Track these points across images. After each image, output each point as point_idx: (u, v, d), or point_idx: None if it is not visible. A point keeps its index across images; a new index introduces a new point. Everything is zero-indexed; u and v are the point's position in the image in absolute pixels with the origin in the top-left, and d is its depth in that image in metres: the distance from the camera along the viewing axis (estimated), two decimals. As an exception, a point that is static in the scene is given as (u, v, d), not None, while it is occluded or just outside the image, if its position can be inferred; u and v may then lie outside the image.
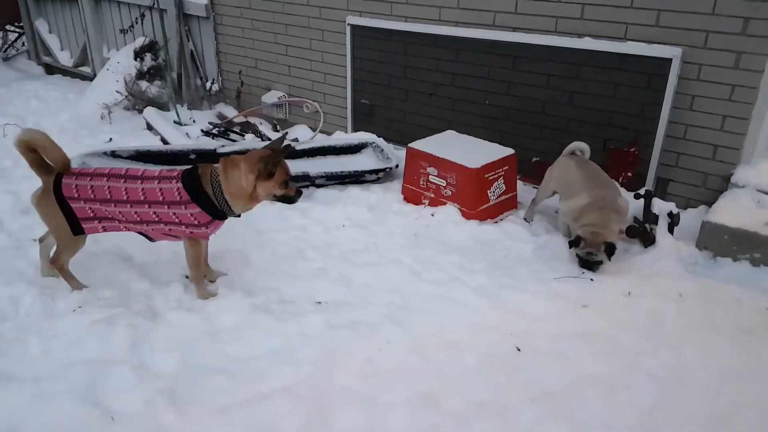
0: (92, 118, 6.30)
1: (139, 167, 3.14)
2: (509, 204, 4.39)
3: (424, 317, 3.06)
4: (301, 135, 5.86)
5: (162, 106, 6.41)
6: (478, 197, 4.16)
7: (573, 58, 4.36)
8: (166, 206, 2.91)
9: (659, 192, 4.23)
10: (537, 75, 4.59)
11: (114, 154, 4.47)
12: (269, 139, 5.63)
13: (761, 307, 3.21)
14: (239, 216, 3.09)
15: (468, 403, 2.50)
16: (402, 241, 3.89)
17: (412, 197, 4.49)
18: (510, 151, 4.33)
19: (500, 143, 4.47)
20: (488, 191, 4.21)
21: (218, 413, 2.36)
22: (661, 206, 3.76)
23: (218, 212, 2.97)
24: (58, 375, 2.55)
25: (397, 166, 4.80)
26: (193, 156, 4.54)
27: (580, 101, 4.46)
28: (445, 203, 4.28)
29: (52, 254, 3.16)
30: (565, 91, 4.50)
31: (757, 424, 2.43)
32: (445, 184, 4.26)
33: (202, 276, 3.18)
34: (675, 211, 3.74)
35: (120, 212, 2.95)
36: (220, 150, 4.56)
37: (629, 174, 4.28)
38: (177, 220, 2.95)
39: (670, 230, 3.73)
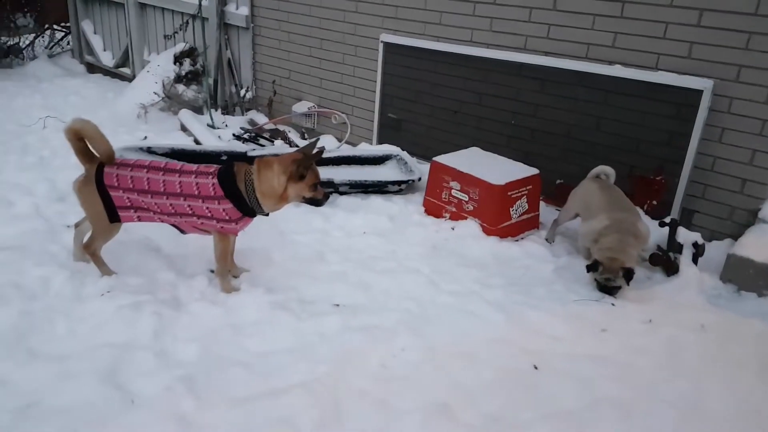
0: (129, 116, 6.48)
1: (176, 163, 3.25)
2: (531, 223, 4.40)
3: (440, 327, 3.07)
4: (328, 144, 5.96)
5: (197, 110, 6.58)
6: (500, 214, 4.18)
7: (602, 84, 4.39)
8: (200, 200, 3.01)
9: (684, 222, 4.20)
10: (565, 99, 4.62)
11: (150, 150, 4.60)
12: (297, 146, 5.74)
13: (785, 343, 3.16)
14: (267, 215, 3.18)
15: (482, 416, 2.49)
16: (421, 251, 3.92)
17: (433, 210, 4.53)
18: (534, 170, 4.35)
19: (524, 163, 4.50)
20: (510, 209, 4.23)
21: (236, 403, 2.39)
22: (686, 236, 3.74)
23: (248, 209, 3.06)
24: (82, 355, 2.62)
25: (419, 179, 4.85)
26: (224, 157, 4.65)
27: (607, 127, 4.48)
28: (466, 218, 4.31)
29: (85, 240, 3.25)
30: (593, 116, 4.52)
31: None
32: (467, 199, 4.29)
33: (227, 271, 3.25)
34: (700, 241, 3.72)
35: (156, 203, 3.05)
36: (251, 153, 4.66)
37: (654, 202, 4.27)
38: (209, 214, 3.04)
39: (695, 261, 3.71)
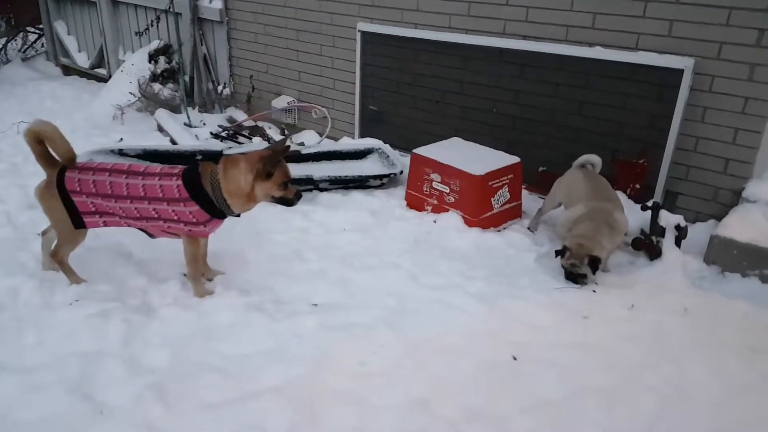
0: (105, 118, 6.37)
1: (140, 164, 3.16)
2: (513, 213, 4.34)
3: (421, 322, 3.01)
4: (309, 140, 5.87)
5: (174, 109, 6.46)
6: (481, 205, 4.11)
7: (583, 67, 4.32)
8: (165, 203, 2.90)
9: (668, 205, 4.15)
10: (546, 84, 4.55)
11: (121, 153, 4.50)
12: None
13: (770, 324, 3.12)
14: (239, 216, 3.08)
15: (460, 409, 2.45)
16: (403, 246, 3.85)
17: (415, 203, 4.46)
18: (515, 159, 4.28)
19: (507, 152, 4.43)
20: (492, 199, 4.16)
21: (207, 410, 2.33)
22: (668, 219, 3.68)
23: (217, 211, 2.95)
24: (50, 366, 2.55)
25: (401, 172, 4.78)
26: (199, 157, 4.55)
27: (590, 111, 4.41)
28: (447, 210, 4.24)
29: (52, 248, 3.17)
30: (575, 100, 4.46)
31: (760, 444, 2.35)
32: (448, 191, 4.22)
33: (199, 274, 3.17)
34: (683, 224, 3.67)
35: (120, 207, 2.95)
36: (227, 152, 4.57)
37: (637, 186, 4.22)
38: (176, 218, 2.94)
39: (678, 243, 3.66)
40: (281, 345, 2.73)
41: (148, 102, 6.61)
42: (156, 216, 2.95)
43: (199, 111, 6.51)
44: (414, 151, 4.46)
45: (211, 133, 5.68)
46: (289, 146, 3.00)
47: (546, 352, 2.85)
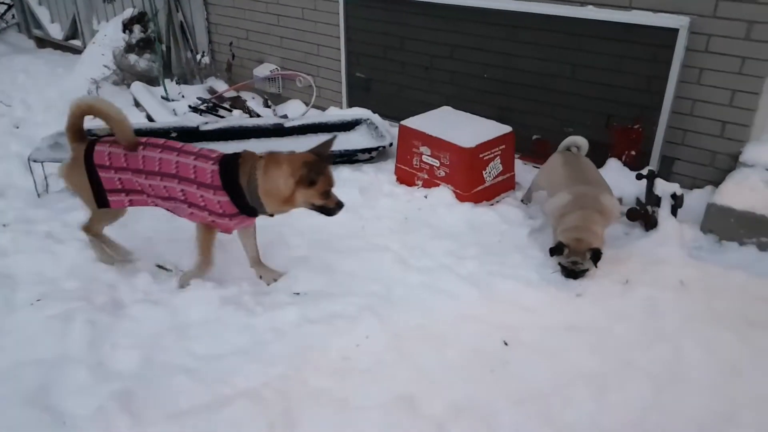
0: (79, 93, 6.05)
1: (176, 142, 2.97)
2: (506, 185, 4.18)
3: (408, 309, 2.90)
4: (294, 110, 5.65)
5: (152, 81, 6.22)
6: (472, 178, 3.96)
7: (575, 28, 4.10)
8: (195, 186, 2.75)
9: (664, 171, 4.00)
10: (537, 47, 4.33)
11: (90, 133, 4.27)
12: (258, 115, 5.44)
13: (767, 294, 3.01)
14: (272, 216, 2.89)
15: (446, 405, 2.35)
16: (391, 225, 3.72)
17: (405, 178, 4.30)
18: (507, 128, 4.10)
19: (500, 119, 4.24)
20: (483, 172, 4.00)
21: (174, 418, 2.21)
22: (664, 187, 3.53)
23: (247, 207, 2.79)
24: (7, 375, 2.41)
25: (391, 144, 4.60)
26: (174, 134, 4.35)
27: (583, 75, 4.21)
28: (438, 185, 4.08)
29: (86, 221, 3.06)
30: (567, 64, 4.25)
31: (757, 426, 2.28)
32: (438, 165, 4.06)
33: (207, 264, 2.97)
34: (679, 192, 3.52)
35: (150, 185, 2.81)
36: (203, 127, 4.37)
37: (633, 152, 4.05)
38: (202, 204, 2.78)
39: (674, 213, 3.52)
40: (258, 342, 2.61)
41: (125, 74, 6.35)
42: (182, 198, 2.80)
43: (177, 82, 6.26)
44: (402, 122, 4.28)
45: (190, 107, 5.46)
46: (333, 157, 2.83)
47: (537, 336, 2.76)
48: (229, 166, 2.74)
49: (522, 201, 4.06)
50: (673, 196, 3.52)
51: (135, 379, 2.39)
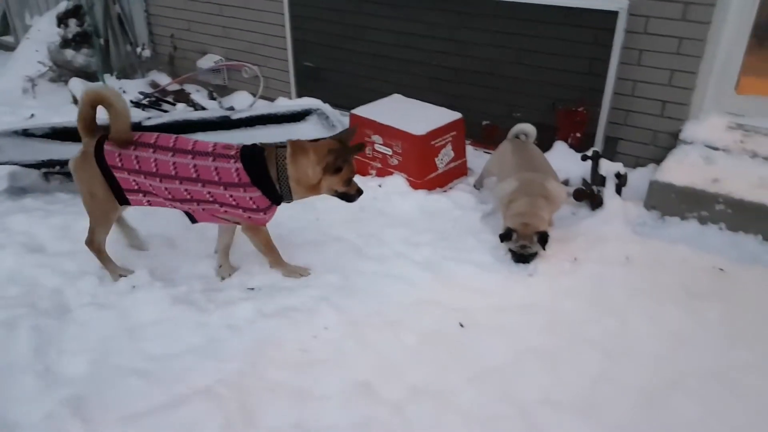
0: (14, 92, 5.81)
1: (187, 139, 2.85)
2: (459, 171, 4.22)
3: (365, 298, 2.91)
4: (241, 102, 5.54)
5: (91, 76, 5.98)
6: (425, 166, 3.98)
7: (519, 13, 4.15)
8: (222, 187, 2.70)
9: (609, 152, 4.12)
10: (484, 33, 4.38)
11: (26, 133, 4.11)
12: (203, 108, 5.32)
13: (708, 266, 3.16)
14: (290, 202, 2.91)
15: (405, 388, 2.38)
16: (346, 216, 3.69)
17: (359, 168, 4.21)
18: (457, 115, 4.13)
19: (450, 107, 4.27)
20: (436, 159, 4.03)
21: (129, 421, 2.16)
22: (608, 167, 3.64)
23: (277, 197, 2.81)
24: (-50, 388, 2.31)
25: (343, 133, 4.56)
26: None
27: (528, 60, 4.28)
28: (392, 173, 4.09)
29: (87, 236, 2.94)
30: (513, 49, 4.30)
31: (700, 393, 2.37)
32: (391, 153, 4.06)
33: (279, 256, 3.03)
34: (622, 171, 3.63)
35: (167, 188, 2.72)
36: (146, 123, 4.23)
37: (578, 134, 4.15)
38: (234, 203, 2.74)
39: (618, 191, 3.63)
40: (213, 340, 2.57)
41: (62, 71, 6.08)
42: (211, 199, 2.74)
43: (117, 77, 6.04)
44: (352, 111, 4.26)
45: (132, 102, 5.28)
46: (363, 146, 2.93)
47: (491, 317, 2.81)
48: (254, 160, 2.71)
49: (474, 186, 4.11)
50: (617, 175, 3.63)
51: (85, 384, 2.32)
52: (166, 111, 5.19)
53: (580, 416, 2.27)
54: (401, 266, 3.15)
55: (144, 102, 5.31)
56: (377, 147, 4.12)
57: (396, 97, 4.51)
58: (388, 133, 4.02)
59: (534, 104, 4.31)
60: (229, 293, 2.89)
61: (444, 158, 4.07)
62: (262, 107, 5.13)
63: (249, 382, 2.34)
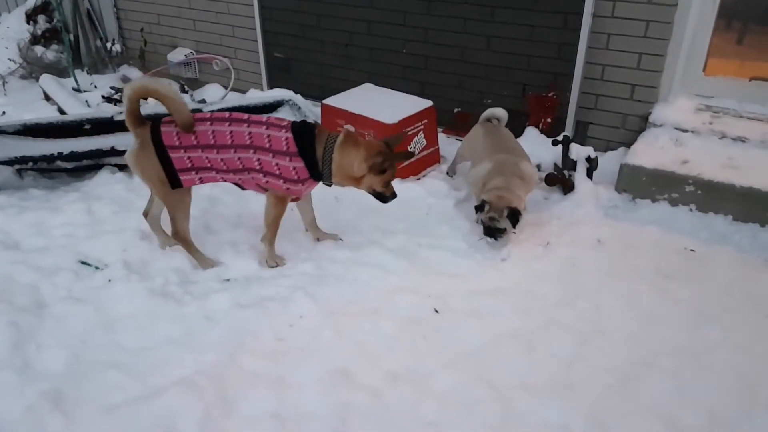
0: (-17, 90, 5.71)
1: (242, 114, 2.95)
2: (431, 159, 4.24)
3: (341, 286, 2.92)
4: (213, 95, 5.50)
5: (62, 72, 5.88)
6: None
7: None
8: (271, 154, 2.81)
9: (579, 136, 4.17)
10: (453, 19, 4.39)
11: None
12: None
13: (679, 247, 3.22)
14: (330, 185, 3.02)
15: (383, 375, 2.40)
16: (320, 205, 3.68)
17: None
18: (428, 103, 4.15)
19: (421, 94, 4.29)
20: (408, 147, 4.04)
21: (109, 412, 2.16)
22: (579, 151, 3.69)
23: (317, 173, 2.91)
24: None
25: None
26: (87, 126, 4.14)
27: (498, 46, 4.30)
28: (366, 162, 4.09)
29: (171, 228, 2.99)
30: (483, 35, 4.33)
31: (673, 372, 2.42)
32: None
33: (275, 238, 3.10)
34: (593, 155, 3.68)
35: (222, 159, 2.83)
36: (118, 117, 4.18)
37: (549, 119, 4.20)
38: (277, 172, 2.85)
39: (589, 175, 3.69)
40: (190, 331, 2.56)
41: (32, 67, 5.98)
42: (258, 167, 2.84)
43: (88, 73, 5.95)
44: (324, 101, 4.25)
45: (103, 97, 5.22)
46: (412, 154, 3.03)
47: (466, 302, 2.84)
48: (304, 133, 2.84)
49: (447, 174, 4.14)
50: (588, 159, 3.69)
51: (64, 378, 2.31)
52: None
53: (556, 398, 2.30)
54: (376, 254, 3.17)
55: (116, 97, 5.23)
56: (351, 136, 4.12)
57: (367, 86, 4.52)
58: (360, 122, 4.02)
59: (505, 90, 4.35)
60: (205, 285, 2.88)
61: (416, 146, 4.09)
62: (234, 99, 5.08)
63: (227, 372, 2.35)
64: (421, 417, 2.21)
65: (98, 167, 4.06)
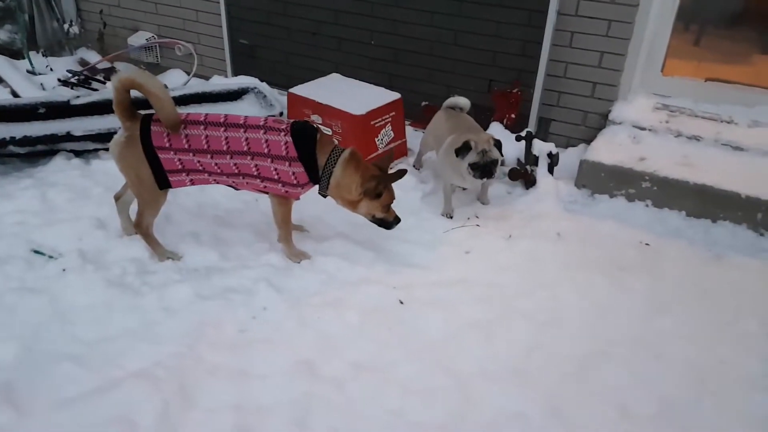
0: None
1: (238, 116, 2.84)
2: (399, 151, 4.26)
3: (306, 277, 2.91)
4: (175, 80, 5.37)
5: (16, 54, 5.63)
6: (365, 146, 3.97)
7: (454, -7, 4.20)
8: (269, 160, 2.72)
9: (542, 132, 4.24)
10: (421, 13, 4.39)
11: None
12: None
13: (635, 241, 3.31)
14: (324, 197, 2.96)
15: (346, 365, 2.41)
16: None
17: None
18: (396, 95, 4.15)
19: (389, 87, 4.29)
20: (376, 139, 4.04)
21: (64, 405, 2.11)
22: (541, 147, 3.76)
23: (317, 178, 2.85)
24: None
25: (281, 113, 4.51)
26: (42, 110, 4.00)
27: (465, 41, 4.33)
28: (332, 153, 4.07)
29: (135, 218, 2.93)
30: (450, 29, 4.34)
31: (627, 361, 2.50)
32: (330, 133, 4.04)
33: (291, 235, 3.06)
34: (554, 151, 3.75)
35: (216, 164, 2.74)
36: (75, 102, 4.05)
37: (513, 115, 4.25)
38: (276, 177, 2.78)
39: (550, 170, 3.76)
40: (149, 322, 2.52)
41: (-17, 48, 5.71)
42: (255, 173, 2.77)
43: (44, 55, 5.71)
44: (290, 90, 4.21)
45: (60, 80, 5.04)
46: (404, 171, 2.89)
47: (430, 292, 2.87)
48: (304, 138, 2.75)
49: (414, 166, 4.15)
50: (550, 155, 3.76)
51: (15, 371, 2.24)
52: (95, 89, 4.97)
53: (514, 385, 2.35)
54: (343, 246, 3.17)
55: (72, 80, 5.06)
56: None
57: (335, 77, 4.49)
58: (328, 112, 4.00)
59: (471, 85, 4.38)
60: (165, 275, 2.83)
61: (384, 138, 4.09)
62: (197, 86, 4.98)
63: (186, 364, 2.32)
64: (383, 405, 2.23)
65: (53, 153, 3.93)
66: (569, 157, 3.99)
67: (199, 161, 2.74)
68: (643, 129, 3.89)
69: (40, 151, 3.89)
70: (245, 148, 2.72)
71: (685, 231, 3.41)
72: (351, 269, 3.00)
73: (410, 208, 3.59)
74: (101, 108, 4.09)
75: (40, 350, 2.35)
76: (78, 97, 4.15)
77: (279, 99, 4.69)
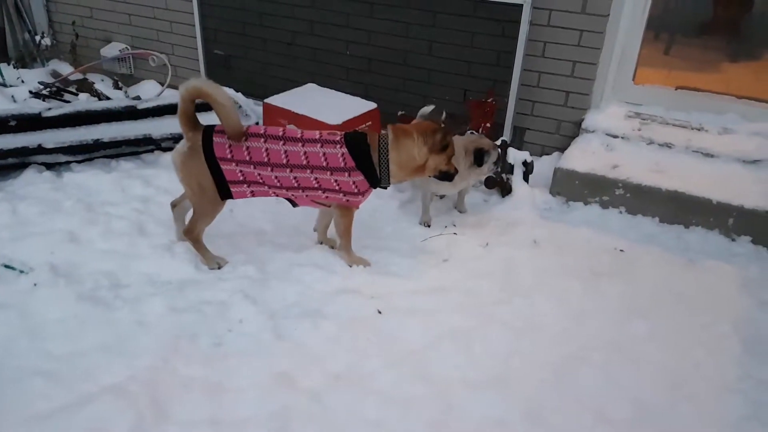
0: None
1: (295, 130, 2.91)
2: (375, 160, 4.25)
3: (283, 288, 2.88)
4: (148, 92, 5.32)
5: (-15, 66, 5.53)
6: (341, 155, 3.97)
7: (430, 4, 4.23)
8: (329, 172, 2.78)
9: (517, 141, 4.29)
10: (396, 23, 4.42)
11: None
12: (108, 98, 5.07)
13: (609, 247, 3.36)
14: (386, 188, 3.00)
15: (324, 376, 2.38)
16: (263, 207, 3.61)
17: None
18: (372, 105, 4.16)
19: (365, 96, 4.30)
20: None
21: (34, 421, 2.05)
22: (516, 156, 3.80)
23: (376, 181, 2.88)
24: None
25: (257, 123, 4.49)
26: (13, 122, 3.91)
27: (440, 51, 4.37)
28: (308, 163, 4.06)
29: (187, 224, 2.96)
30: (425, 40, 4.38)
31: (603, 366, 2.51)
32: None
33: (350, 243, 3.10)
34: (529, 159, 3.80)
35: (276, 177, 2.78)
36: (46, 114, 3.98)
37: (488, 125, 4.28)
38: (337, 188, 2.83)
39: (526, 179, 3.80)
40: (122, 336, 2.47)
41: (-49, 59, 5.60)
42: (316, 186, 2.81)
43: (15, 67, 5.62)
44: (266, 100, 4.19)
45: (31, 92, 4.95)
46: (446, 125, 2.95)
47: (408, 301, 2.86)
48: (358, 145, 2.79)
49: (391, 175, 4.16)
50: (525, 163, 3.80)
51: (-18, 388, 2.18)
52: (68, 101, 4.89)
53: (493, 392, 2.35)
54: (320, 256, 3.15)
55: (44, 92, 4.97)
56: (294, 137, 4.07)
57: (310, 87, 4.49)
58: (304, 122, 3.99)
59: (447, 95, 4.42)
60: (138, 289, 2.78)
61: (361, 148, 4.09)
62: (171, 96, 4.94)
63: (161, 378, 2.28)
64: (362, 416, 2.21)
65: (24, 166, 3.85)
66: (544, 165, 4.04)
67: (259, 174, 2.78)
68: (615, 137, 3.95)
69: (11, 164, 3.82)
70: (305, 162, 2.77)
71: (659, 237, 3.46)
72: (328, 279, 2.98)
73: (387, 217, 3.61)
74: (73, 120, 4.03)
75: (11, 366, 2.29)
76: (50, 109, 4.08)
77: (255, 109, 4.67)
